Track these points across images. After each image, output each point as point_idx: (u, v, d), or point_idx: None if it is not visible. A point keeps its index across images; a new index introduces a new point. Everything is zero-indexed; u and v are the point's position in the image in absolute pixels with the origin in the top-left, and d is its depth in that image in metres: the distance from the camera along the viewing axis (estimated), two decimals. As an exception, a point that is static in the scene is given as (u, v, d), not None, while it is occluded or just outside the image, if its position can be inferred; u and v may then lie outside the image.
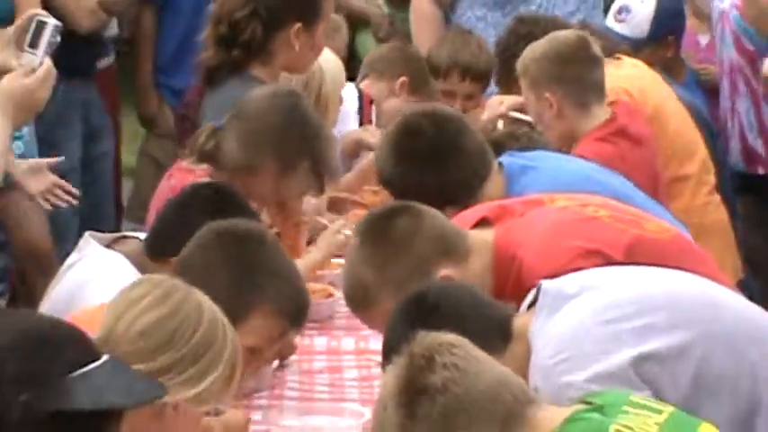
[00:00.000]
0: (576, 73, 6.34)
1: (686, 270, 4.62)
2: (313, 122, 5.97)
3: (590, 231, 4.75)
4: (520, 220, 4.86)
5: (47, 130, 7.55)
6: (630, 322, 4.17)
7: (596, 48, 6.46)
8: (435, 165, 5.45)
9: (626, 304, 4.24)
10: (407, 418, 3.54)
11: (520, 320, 4.24)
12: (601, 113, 6.35)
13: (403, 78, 7.63)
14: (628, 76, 6.79)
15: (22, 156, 7.27)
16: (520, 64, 6.48)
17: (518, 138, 6.41)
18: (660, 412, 3.63)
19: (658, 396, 3.97)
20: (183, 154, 6.08)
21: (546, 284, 4.29)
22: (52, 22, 4.87)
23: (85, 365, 3.22)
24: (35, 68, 4.76)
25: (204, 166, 5.81)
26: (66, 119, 7.90)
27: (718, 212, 6.76)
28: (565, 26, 7.12)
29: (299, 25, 6.49)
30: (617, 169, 5.90)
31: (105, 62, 8.54)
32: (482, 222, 4.90)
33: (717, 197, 6.82)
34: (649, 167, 6.24)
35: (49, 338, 3.27)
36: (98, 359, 3.24)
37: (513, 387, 3.58)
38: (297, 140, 5.85)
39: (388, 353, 4.05)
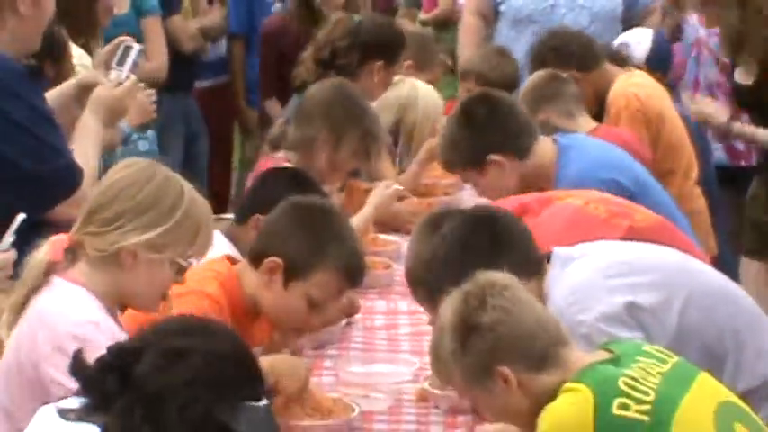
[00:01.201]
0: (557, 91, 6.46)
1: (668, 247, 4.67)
2: (360, 101, 5.96)
3: (590, 229, 4.73)
4: (536, 221, 4.83)
5: (157, 135, 7.55)
6: (625, 278, 4.20)
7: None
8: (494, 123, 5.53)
9: (621, 264, 4.28)
10: (459, 349, 3.60)
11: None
12: (585, 124, 6.45)
13: (408, 62, 7.27)
14: (637, 84, 6.79)
15: (147, 152, 7.26)
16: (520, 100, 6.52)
17: None
18: (665, 362, 3.61)
19: (650, 341, 3.95)
20: (265, 149, 6.16)
21: (557, 249, 4.33)
22: (137, 46, 4.98)
23: (255, 401, 3.23)
24: (121, 82, 4.89)
25: (280, 154, 5.83)
26: (170, 125, 7.95)
27: (699, 201, 6.76)
28: (585, 37, 7.18)
29: (381, 63, 6.68)
30: None
31: (206, 83, 8.62)
32: None
33: (698, 189, 6.83)
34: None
35: (245, 364, 3.27)
36: (262, 400, 3.25)
37: (551, 329, 3.62)
38: (344, 110, 5.84)
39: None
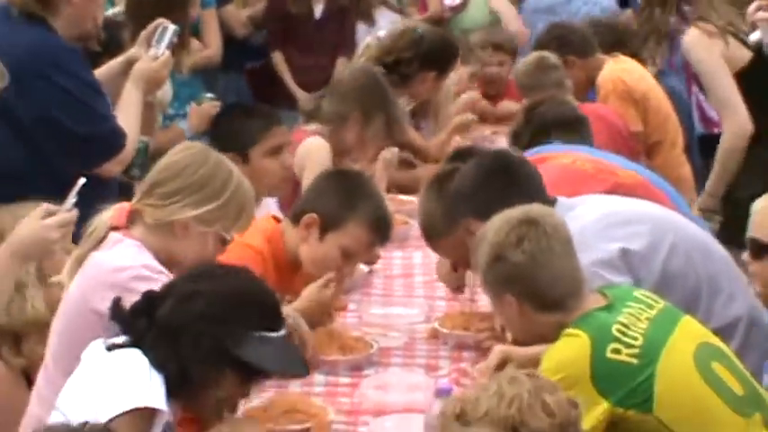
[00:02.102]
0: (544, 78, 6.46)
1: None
2: (387, 90, 5.91)
3: (579, 182, 4.75)
4: None
5: None
6: (619, 228, 4.23)
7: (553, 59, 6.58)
8: None
9: (616, 214, 4.31)
10: (486, 265, 3.65)
11: None
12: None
13: (432, 74, 6.79)
14: (623, 69, 6.73)
15: None
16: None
17: None
18: (652, 307, 3.62)
19: (637, 284, 4.00)
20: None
21: (561, 198, 4.35)
22: (172, 27, 5.00)
23: (266, 331, 3.32)
24: (158, 57, 4.94)
25: (312, 126, 5.80)
26: (224, 100, 7.37)
27: (684, 168, 6.71)
28: (583, 29, 7.11)
29: (434, 73, 6.68)
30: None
31: (256, 62, 8.51)
32: None
33: (683, 157, 6.77)
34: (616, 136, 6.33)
35: (248, 299, 3.35)
36: (278, 331, 3.35)
37: (567, 283, 3.62)
38: (375, 97, 5.80)
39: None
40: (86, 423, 2.64)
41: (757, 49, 4.51)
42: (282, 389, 4.25)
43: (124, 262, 3.69)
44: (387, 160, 6.22)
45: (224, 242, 3.91)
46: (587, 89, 6.80)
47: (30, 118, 4.70)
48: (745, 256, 4.08)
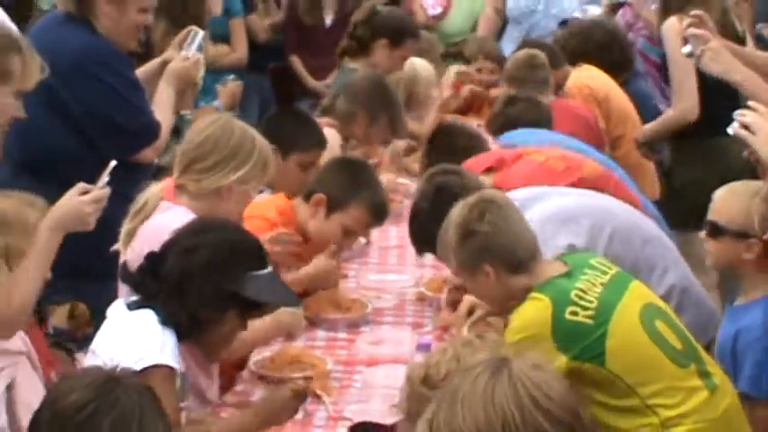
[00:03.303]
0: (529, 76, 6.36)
1: (608, 193, 4.69)
2: (393, 95, 5.85)
3: (549, 178, 4.70)
4: (509, 171, 4.81)
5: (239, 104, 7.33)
6: (564, 226, 4.22)
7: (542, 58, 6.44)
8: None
9: (563, 212, 4.29)
10: (458, 245, 3.60)
11: None
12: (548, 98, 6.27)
13: (383, 41, 6.57)
14: (587, 76, 6.64)
15: None
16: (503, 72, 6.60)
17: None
18: (606, 273, 3.60)
19: None
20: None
21: (514, 193, 4.29)
22: (201, 32, 4.96)
23: (259, 269, 3.32)
24: (189, 58, 4.90)
25: (326, 119, 5.73)
26: (249, 97, 7.71)
27: (643, 159, 6.47)
28: (552, 46, 6.98)
29: (386, 41, 6.45)
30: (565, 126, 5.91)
31: (276, 63, 8.43)
32: (489, 169, 4.85)
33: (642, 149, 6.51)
34: (586, 126, 6.22)
35: (243, 246, 3.34)
36: (266, 268, 3.34)
37: (529, 244, 3.59)
38: (380, 100, 5.73)
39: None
40: (117, 366, 2.57)
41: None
42: (288, 343, 4.23)
43: (176, 222, 3.62)
44: (395, 153, 6.18)
45: (250, 196, 3.95)
46: (556, 94, 6.67)
47: (79, 111, 4.64)
48: (702, 234, 4.04)
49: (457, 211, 3.65)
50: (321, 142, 5.10)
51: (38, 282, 3.47)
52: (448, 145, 5.43)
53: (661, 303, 3.69)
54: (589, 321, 3.43)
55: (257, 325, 3.85)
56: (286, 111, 5.89)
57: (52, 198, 3.66)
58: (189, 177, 3.86)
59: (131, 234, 3.84)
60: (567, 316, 3.42)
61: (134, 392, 2.37)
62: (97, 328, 3.41)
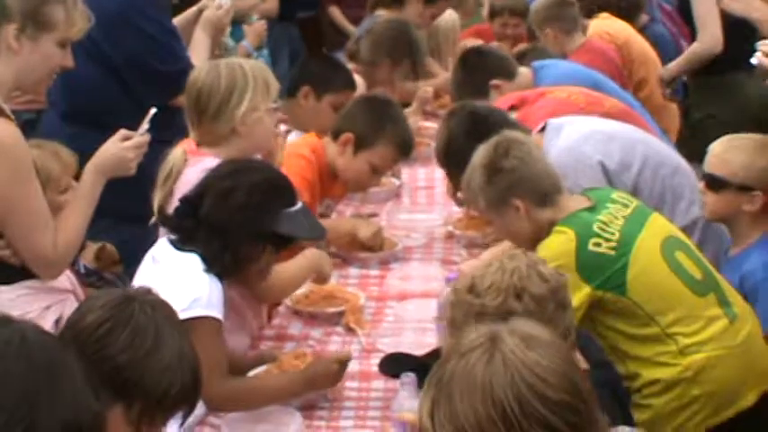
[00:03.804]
0: (561, 13, 6.27)
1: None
2: (414, 39, 5.81)
3: (572, 113, 4.61)
4: (532, 107, 4.78)
5: (269, 52, 7.35)
6: (597, 144, 4.20)
7: None
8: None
9: (594, 134, 4.26)
10: (486, 183, 3.59)
11: (536, 136, 4.23)
12: (578, 39, 6.27)
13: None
14: (605, 23, 6.56)
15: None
16: (531, 15, 6.47)
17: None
18: (627, 206, 3.60)
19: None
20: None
21: (550, 120, 4.33)
22: None
23: (291, 207, 3.31)
24: (221, 7, 4.93)
25: (352, 65, 5.70)
26: (279, 46, 7.83)
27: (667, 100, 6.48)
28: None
29: None
30: (597, 66, 5.75)
31: (305, 14, 8.39)
32: (512, 108, 4.81)
33: (666, 90, 6.48)
34: (612, 65, 6.15)
35: (275, 186, 3.32)
36: (297, 204, 3.32)
37: (553, 178, 3.59)
38: (402, 45, 5.73)
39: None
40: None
41: None
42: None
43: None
44: (422, 98, 6.15)
45: (272, 113, 3.88)
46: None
47: (120, 59, 4.66)
48: (701, 185, 4.03)
49: (481, 153, 3.64)
50: (352, 83, 5.13)
51: (83, 224, 3.50)
52: (478, 63, 5.34)
53: (681, 235, 3.68)
54: (611, 252, 3.43)
55: (293, 269, 3.87)
56: (318, 56, 5.90)
57: (96, 144, 3.66)
58: (203, 131, 3.84)
59: (168, 194, 3.79)
60: (591, 247, 3.43)
61: (149, 307, 2.38)
62: (135, 270, 3.42)
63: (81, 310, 2.42)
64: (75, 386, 1.79)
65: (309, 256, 3.96)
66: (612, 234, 3.47)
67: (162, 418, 2.34)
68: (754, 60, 3.44)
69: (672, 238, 3.59)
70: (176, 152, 3.83)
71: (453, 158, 4.19)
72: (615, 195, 3.66)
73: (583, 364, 2.83)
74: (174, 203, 3.56)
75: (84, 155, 3.70)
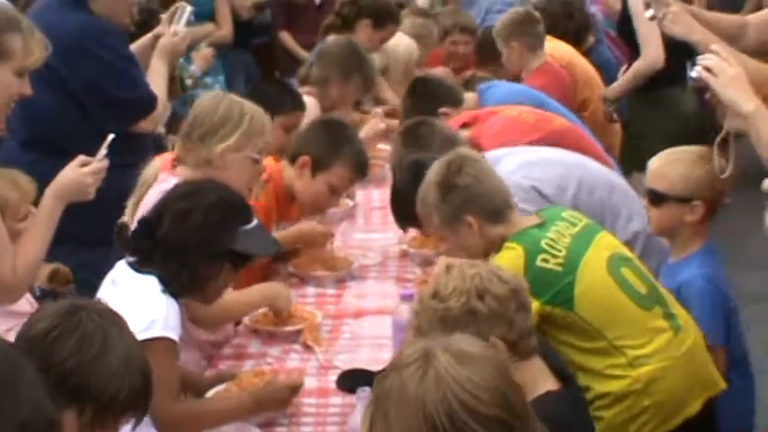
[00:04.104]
0: (528, 29, 6.29)
1: (574, 147, 4.72)
2: (363, 53, 5.85)
3: (522, 131, 4.75)
4: (484, 125, 4.84)
5: (225, 78, 7.48)
6: (532, 172, 4.28)
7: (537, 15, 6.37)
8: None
9: (531, 163, 4.34)
10: (440, 200, 3.60)
11: None
12: (541, 57, 6.30)
13: (367, 21, 6.57)
14: (549, 46, 6.49)
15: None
16: (497, 28, 6.38)
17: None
18: (576, 225, 3.62)
19: None
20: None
21: (488, 154, 4.32)
22: (189, 8, 4.96)
23: (247, 224, 3.29)
24: (178, 34, 4.91)
25: (306, 88, 5.74)
26: (235, 72, 7.89)
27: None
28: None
29: (369, 21, 6.52)
30: (553, 89, 5.93)
31: (259, 40, 8.40)
32: (464, 125, 4.89)
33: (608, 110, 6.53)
34: (565, 89, 6.25)
35: (231, 204, 3.30)
36: (251, 222, 3.31)
37: (505, 196, 3.62)
38: (352, 60, 5.76)
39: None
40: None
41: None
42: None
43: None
44: (374, 122, 6.11)
45: (257, 162, 3.90)
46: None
47: (78, 84, 4.65)
48: (643, 202, 4.08)
49: (434, 170, 3.66)
50: (301, 104, 5.18)
51: (41, 248, 3.49)
52: (426, 91, 5.41)
53: (627, 252, 3.71)
54: (558, 269, 3.46)
55: (246, 299, 3.91)
56: (266, 80, 5.92)
57: (56, 171, 3.65)
58: (184, 150, 3.87)
59: (136, 206, 3.84)
60: (539, 263, 3.45)
61: (96, 315, 2.39)
62: (94, 294, 3.40)
63: (30, 321, 2.43)
64: (32, 391, 1.79)
65: (266, 288, 4.01)
66: (560, 251, 3.50)
67: (113, 422, 2.35)
68: (693, 74, 3.50)
69: (618, 254, 3.62)
70: (151, 167, 3.89)
71: (400, 211, 4.26)
72: (565, 214, 3.69)
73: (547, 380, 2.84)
74: (137, 220, 3.54)
75: (44, 182, 3.68)
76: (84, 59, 4.64)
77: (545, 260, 3.46)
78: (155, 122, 4.91)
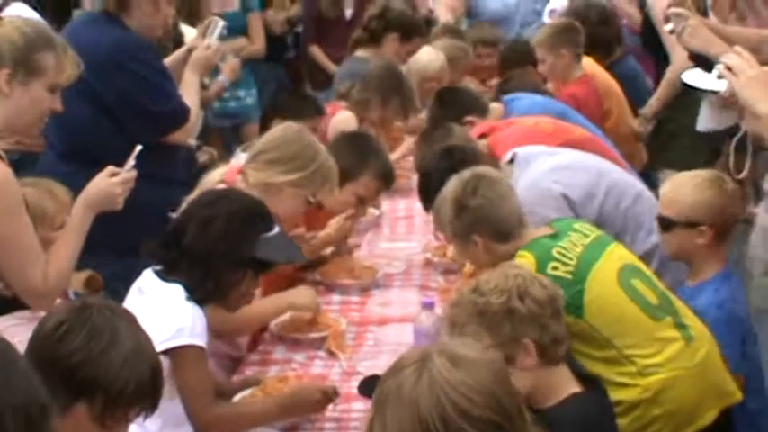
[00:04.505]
0: (576, 38, 6.30)
1: (598, 156, 4.68)
2: (403, 78, 5.89)
3: (539, 139, 4.72)
4: (501, 134, 4.85)
5: (257, 91, 7.55)
6: (562, 176, 4.27)
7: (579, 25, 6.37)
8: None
9: (562, 167, 4.33)
10: (452, 217, 3.62)
11: (505, 167, 4.33)
12: (582, 66, 6.34)
13: (394, 35, 6.69)
14: None
15: (251, 104, 7.44)
16: (542, 38, 6.37)
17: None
18: (588, 236, 3.62)
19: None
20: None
21: (519, 151, 4.39)
22: (222, 22, 5.00)
23: (268, 232, 3.30)
24: (210, 47, 4.94)
25: (342, 103, 5.82)
26: (266, 84, 7.88)
27: (632, 127, 6.53)
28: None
29: (396, 35, 6.64)
30: (590, 99, 6.08)
31: (291, 54, 8.48)
32: (482, 135, 4.89)
33: (631, 119, 6.59)
34: (598, 99, 6.30)
35: (253, 213, 3.31)
36: (274, 230, 3.32)
37: (516, 216, 3.62)
38: (391, 84, 5.79)
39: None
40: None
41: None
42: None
43: None
44: (406, 144, 6.15)
45: (309, 204, 3.94)
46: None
47: (112, 98, 4.68)
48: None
49: (451, 187, 3.68)
50: (320, 110, 5.37)
51: (72, 256, 3.53)
52: (453, 99, 5.42)
53: (639, 264, 3.71)
54: (569, 276, 3.46)
55: (269, 305, 3.93)
56: (286, 93, 5.98)
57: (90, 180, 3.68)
58: (251, 166, 3.90)
59: None
60: (549, 270, 3.45)
61: (107, 311, 2.41)
62: (122, 300, 3.41)
63: (44, 318, 2.46)
64: (24, 378, 1.80)
65: (287, 292, 4.01)
66: (570, 259, 3.50)
67: (123, 414, 2.37)
68: (714, 73, 3.50)
69: (629, 266, 3.62)
70: (215, 173, 3.96)
71: (427, 194, 4.22)
72: (577, 225, 3.70)
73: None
74: None
75: (80, 192, 3.70)
76: (119, 74, 4.67)
77: (555, 268, 3.47)
78: (187, 134, 4.94)
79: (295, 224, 3.98)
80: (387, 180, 4.66)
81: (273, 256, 3.33)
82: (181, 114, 4.79)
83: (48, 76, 3.48)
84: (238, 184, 3.86)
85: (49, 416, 1.82)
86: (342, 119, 5.74)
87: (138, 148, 3.65)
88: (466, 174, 3.70)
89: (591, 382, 2.89)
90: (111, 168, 3.61)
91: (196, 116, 4.93)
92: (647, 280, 3.61)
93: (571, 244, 3.56)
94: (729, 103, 3.68)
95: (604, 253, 3.59)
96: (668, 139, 6.27)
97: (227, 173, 3.96)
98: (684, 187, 3.95)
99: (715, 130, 4.34)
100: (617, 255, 3.65)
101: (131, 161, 3.62)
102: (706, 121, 4.47)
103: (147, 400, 2.40)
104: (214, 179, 3.94)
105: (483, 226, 3.59)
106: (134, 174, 3.61)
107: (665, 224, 3.96)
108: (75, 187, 3.84)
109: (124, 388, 2.33)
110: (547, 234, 3.61)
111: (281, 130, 3.98)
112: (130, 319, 2.46)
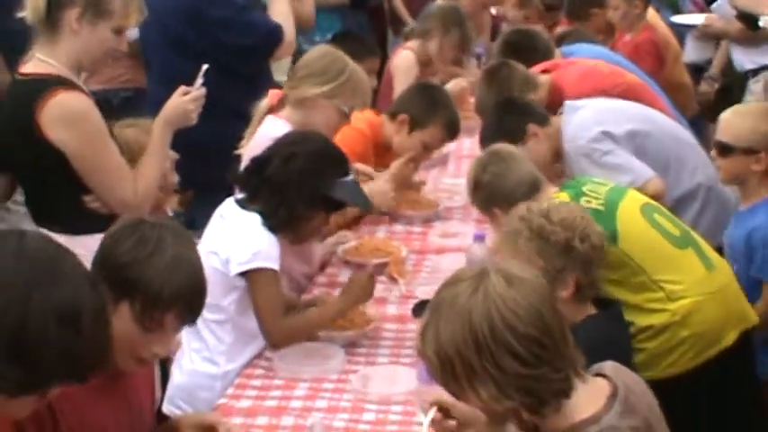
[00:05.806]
0: None
1: (647, 101, 4.69)
2: (463, 15, 5.82)
3: (596, 79, 4.73)
4: (564, 70, 4.87)
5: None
6: (607, 118, 4.25)
7: None
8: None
9: (607, 112, 4.30)
10: (472, 194, 3.72)
11: (555, 118, 4.28)
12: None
13: None
14: None
15: None
16: None
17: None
18: (606, 185, 3.62)
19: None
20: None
21: (567, 102, 4.35)
22: None
23: (344, 177, 3.37)
24: None
25: (409, 43, 5.77)
26: (350, 31, 7.59)
27: (685, 77, 6.41)
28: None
29: None
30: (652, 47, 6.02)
31: (375, 2, 8.21)
32: (545, 71, 4.91)
33: (683, 69, 6.43)
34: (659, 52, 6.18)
35: (331, 156, 3.39)
36: (349, 176, 3.39)
37: (531, 182, 3.61)
38: (453, 16, 5.80)
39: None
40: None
41: None
42: (371, 234, 4.36)
43: (274, 131, 3.76)
44: (457, 80, 6.00)
45: (344, 116, 3.97)
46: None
47: (203, 44, 4.64)
48: (713, 153, 4.05)
49: (473, 165, 3.75)
50: (374, 50, 5.53)
51: (158, 172, 3.61)
52: (520, 41, 5.36)
53: (657, 204, 3.71)
54: (601, 208, 3.48)
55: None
56: (342, 36, 5.95)
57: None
58: (288, 85, 3.99)
59: (250, 138, 3.96)
60: (584, 203, 3.48)
61: (158, 226, 2.45)
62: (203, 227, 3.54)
63: (108, 230, 2.51)
64: (72, 281, 1.86)
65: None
66: (600, 195, 3.54)
67: (160, 316, 2.39)
68: (761, 23, 3.47)
69: (649, 204, 3.63)
70: (263, 102, 4.01)
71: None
72: (595, 180, 3.72)
73: None
74: (246, 156, 3.69)
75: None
76: (204, 22, 4.67)
77: (588, 201, 3.50)
78: (290, 47, 4.88)
79: (333, 136, 3.95)
80: (452, 132, 4.68)
81: (346, 198, 3.42)
82: (275, 35, 4.75)
83: (114, 18, 3.50)
84: (281, 112, 3.93)
85: (100, 314, 1.88)
86: (402, 57, 5.80)
87: (205, 67, 3.65)
88: (482, 154, 3.76)
89: (606, 306, 2.95)
90: (183, 88, 3.66)
91: (291, 28, 4.84)
92: (666, 215, 3.62)
93: (595, 186, 3.60)
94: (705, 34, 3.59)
95: (626, 193, 3.62)
96: (729, 92, 6.17)
97: (272, 96, 4.03)
98: (746, 115, 3.93)
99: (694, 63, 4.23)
100: (637, 196, 3.67)
101: (199, 79, 3.65)
102: (688, 53, 4.30)
103: (184, 307, 2.42)
104: (261, 109, 4.01)
105: (496, 198, 3.61)
106: (203, 91, 3.64)
107: (724, 149, 3.92)
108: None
109: (160, 291, 2.37)
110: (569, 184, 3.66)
111: (310, 51, 4.05)
112: (179, 233, 2.49)
